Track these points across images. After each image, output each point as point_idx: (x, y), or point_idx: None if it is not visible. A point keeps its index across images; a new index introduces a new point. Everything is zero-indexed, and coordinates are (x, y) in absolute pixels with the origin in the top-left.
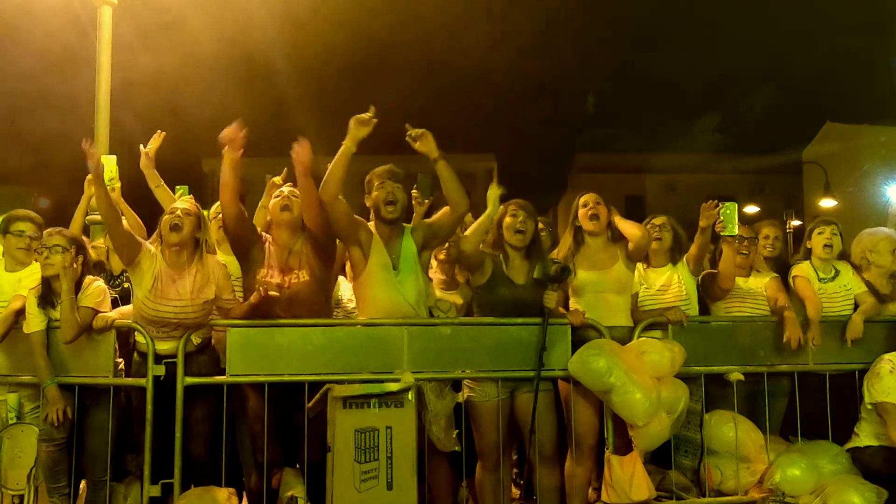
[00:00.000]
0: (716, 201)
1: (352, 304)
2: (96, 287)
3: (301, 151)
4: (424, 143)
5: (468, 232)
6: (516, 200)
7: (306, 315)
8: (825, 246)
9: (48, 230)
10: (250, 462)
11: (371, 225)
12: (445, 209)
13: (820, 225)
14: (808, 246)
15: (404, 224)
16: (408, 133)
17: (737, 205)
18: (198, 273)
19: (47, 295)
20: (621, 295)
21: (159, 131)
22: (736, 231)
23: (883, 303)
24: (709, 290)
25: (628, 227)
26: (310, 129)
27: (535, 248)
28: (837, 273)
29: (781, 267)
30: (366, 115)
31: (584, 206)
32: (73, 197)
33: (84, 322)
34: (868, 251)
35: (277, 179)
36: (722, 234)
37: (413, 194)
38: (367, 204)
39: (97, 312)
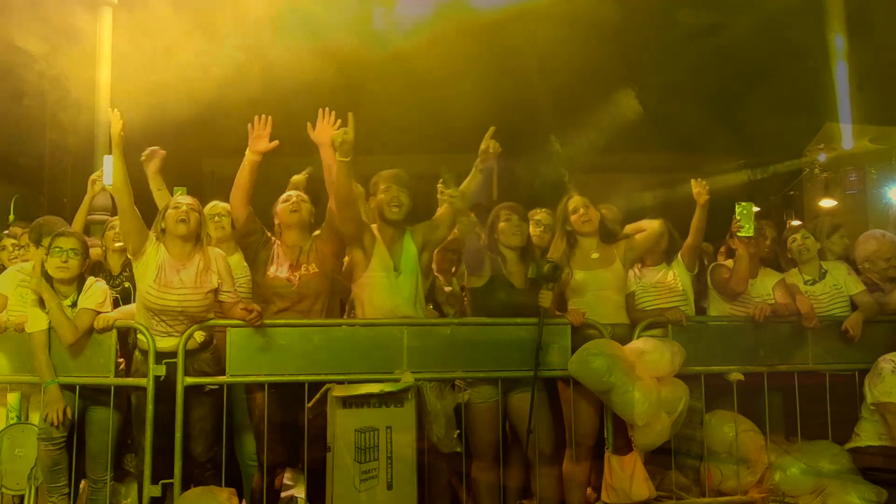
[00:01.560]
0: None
1: None
2: (98, 288)
3: (322, 127)
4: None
5: (462, 186)
6: (508, 204)
7: (311, 304)
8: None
9: (61, 230)
10: (252, 462)
11: (374, 227)
12: (445, 206)
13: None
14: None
15: (406, 227)
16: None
17: (753, 204)
18: (200, 262)
19: None
20: (621, 293)
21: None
22: (752, 232)
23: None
24: (721, 287)
25: (644, 224)
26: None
27: (528, 250)
28: (825, 273)
29: (776, 268)
30: (343, 129)
31: (575, 212)
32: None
33: (85, 324)
34: (865, 262)
35: (297, 178)
36: (738, 234)
37: (439, 188)
38: (371, 206)
39: (98, 313)
